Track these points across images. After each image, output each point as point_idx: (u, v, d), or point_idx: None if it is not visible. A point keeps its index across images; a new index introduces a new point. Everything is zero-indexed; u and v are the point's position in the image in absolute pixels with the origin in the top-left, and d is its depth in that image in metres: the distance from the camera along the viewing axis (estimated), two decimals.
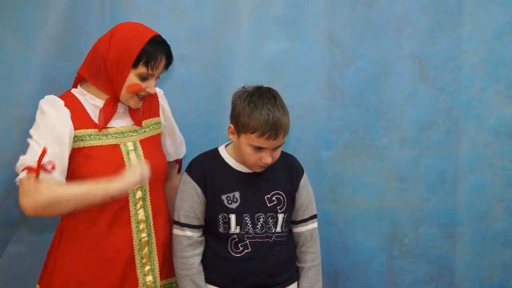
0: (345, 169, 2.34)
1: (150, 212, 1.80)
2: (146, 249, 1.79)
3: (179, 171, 2.08)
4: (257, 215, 1.84)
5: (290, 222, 1.92)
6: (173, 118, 1.99)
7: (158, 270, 1.82)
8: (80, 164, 1.72)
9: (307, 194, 1.93)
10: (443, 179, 2.37)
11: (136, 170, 1.67)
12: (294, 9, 2.25)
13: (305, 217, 1.92)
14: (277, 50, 2.26)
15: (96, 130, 1.75)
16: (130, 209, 1.77)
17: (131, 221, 1.77)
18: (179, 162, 2.07)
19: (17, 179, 1.65)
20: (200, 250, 1.86)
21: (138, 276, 1.78)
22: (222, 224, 1.83)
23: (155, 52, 1.72)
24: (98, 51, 1.74)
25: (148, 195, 1.80)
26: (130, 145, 1.79)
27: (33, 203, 1.60)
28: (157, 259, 1.82)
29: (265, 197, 1.85)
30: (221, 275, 1.85)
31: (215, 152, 1.90)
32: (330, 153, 2.33)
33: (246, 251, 1.83)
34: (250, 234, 1.83)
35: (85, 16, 2.11)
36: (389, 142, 2.33)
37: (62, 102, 1.74)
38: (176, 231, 1.85)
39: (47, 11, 2.06)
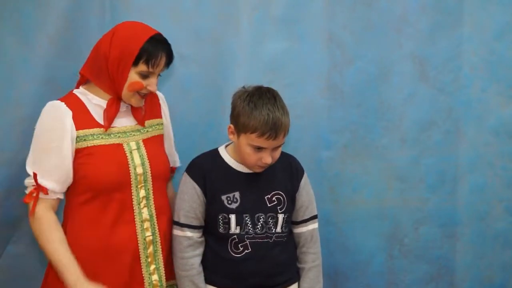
0: (345, 169, 2.34)
1: (154, 211, 1.80)
2: (151, 248, 1.80)
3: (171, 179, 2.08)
4: (257, 215, 1.83)
5: (291, 223, 1.92)
6: (171, 122, 2.00)
7: (163, 269, 1.82)
8: (83, 164, 1.72)
9: (307, 195, 1.92)
10: (443, 179, 2.37)
11: None
12: (294, 9, 2.25)
13: (306, 217, 1.92)
14: (277, 50, 2.26)
15: (99, 129, 1.76)
16: (134, 208, 1.77)
17: (135, 220, 1.77)
18: (173, 171, 2.04)
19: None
20: (200, 250, 1.86)
21: (144, 275, 1.79)
22: (222, 225, 1.83)
23: (156, 50, 1.72)
24: (99, 51, 1.75)
25: (152, 194, 1.80)
26: (133, 145, 1.79)
27: (30, 223, 1.75)
28: (161, 258, 1.82)
29: (265, 197, 1.85)
30: (221, 276, 1.85)
31: (215, 152, 1.90)
32: (330, 153, 2.33)
33: (246, 251, 1.83)
34: (250, 234, 1.83)
35: (85, 16, 2.11)
36: (389, 142, 2.33)
37: (63, 105, 1.74)
38: (176, 231, 1.85)
39: (47, 11, 2.06)
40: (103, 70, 1.74)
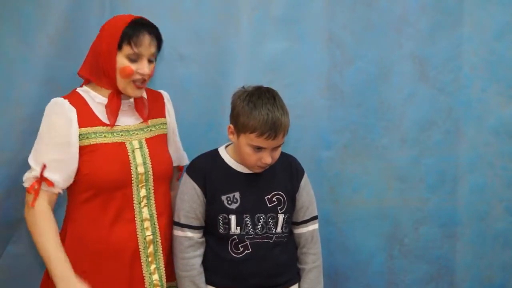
0: (345, 169, 2.34)
1: (154, 211, 1.80)
2: (152, 247, 1.80)
3: (178, 179, 2.08)
4: (257, 215, 1.83)
5: (291, 223, 1.92)
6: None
7: (164, 269, 1.82)
8: (85, 161, 1.73)
9: (307, 195, 1.92)
10: (443, 179, 2.37)
11: None
12: (294, 9, 2.25)
13: (306, 218, 1.92)
14: (277, 50, 2.26)
15: (102, 127, 1.76)
16: (134, 207, 1.77)
17: (135, 219, 1.77)
18: (181, 169, 2.05)
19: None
20: (201, 251, 1.86)
21: (144, 274, 1.79)
22: (222, 225, 1.83)
23: (136, 30, 1.73)
24: (93, 48, 1.78)
25: (153, 193, 1.80)
26: (136, 143, 1.79)
27: (26, 215, 1.74)
28: (162, 257, 1.82)
29: (265, 197, 1.85)
30: (221, 276, 1.85)
31: (215, 153, 1.90)
32: (330, 153, 2.33)
33: (246, 251, 1.83)
34: (251, 234, 1.83)
35: (85, 16, 2.11)
36: (389, 142, 2.34)
37: (67, 102, 1.74)
38: (177, 232, 1.85)
39: (47, 11, 2.06)
40: (99, 67, 1.76)
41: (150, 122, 1.86)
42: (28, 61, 2.05)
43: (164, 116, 1.93)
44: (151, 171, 1.79)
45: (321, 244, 1.96)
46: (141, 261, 1.78)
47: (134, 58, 1.74)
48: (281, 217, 1.86)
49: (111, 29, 1.75)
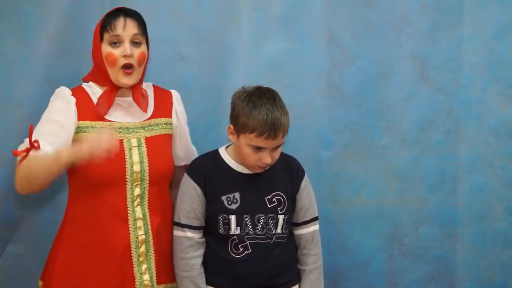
0: (345, 169, 2.34)
1: (147, 211, 1.79)
2: (143, 247, 1.78)
3: None
4: (257, 216, 1.83)
5: (291, 224, 1.92)
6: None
7: (155, 269, 1.81)
8: None
9: (308, 196, 1.92)
10: (443, 179, 2.37)
11: (90, 141, 1.59)
12: (294, 9, 2.25)
13: (306, 219, 1.92)
14: (277, 50, 2.26)
15: (101, 122, 1.76)
16: (128, 206, 1.76)
17: (128, 217, 1.76)
18: None
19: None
20: (201, 251, 1.85)
21: (135, 274, 1.78)
22: (222, 225, 1.82)
23: (112, 16, 1.76)
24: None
25: (147, 193, 1.79)
26: (134, 142, 1.79)
27: (15, 178, 1.68)
28: (153, 258, 1.80)
29: (266, 198, 1.85)
30: (221, 277, 1.84)
31: (215, 153, 1.90)
32: (330, 153, 2.33)
33: (246, 252, 1.82)
34: (250, 235, 1.83)
35: (85, 16, 2.11)
36: (389, 142, 2.34)
37: (68, 91, 1.78)
38: (177, 232, 1.84)
39: (47, 11, 2.07)
40: (95, 67, 1.81)
41: (153, 121, 1.85)
42: (28, 61, 2.05)
43: (170, 116, 1.90)
44: (147, 171, 1.77)
45: (321, 244, 1.96)
46: (132, 260, 1.77)
47: (115, 42, 1.75)
48: (281, 217, 1.85)
49: (96, 27, 1.80)
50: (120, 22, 1.75)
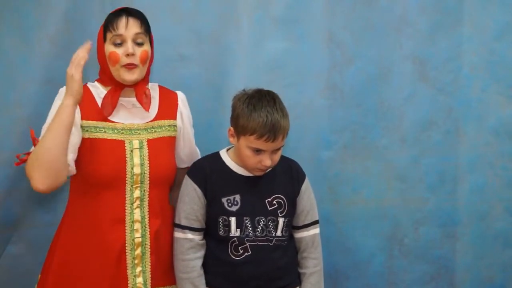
0: (345, 169, 2.34)
1: (146, 213, 1.78)
2: (139, 250, 1.77)
3: None
4: (257, 218, 1.83)
5: (291, 227, 1.92)
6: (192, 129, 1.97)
7: (150, 273, 1.79)
8: (82, 155, 1.72)
9: (308, 199, 1.92)
10: (443, 179, 2.37)
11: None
12: (294, 9, 2.25)
13: (307, 222, 1.91)
14: (277, 50, 2.26)
15: (104, 123, 1.76)
16: (126, 207, 1.76)
17: (125, 219, 1.76)
18: None
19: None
20: (201, 253, 1.85)
21: (128, 276, 1.76)
22: (222, 227, 1.82)
23: (114, 16, 1.77)
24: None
25: (147, 195, 1.78)
26: (136, 143, 1.78)
27: (30, 173, 1.64)
28: (149, 261, 1.79)
29: (266, 200, 1.84)
30: (221, 278, 1.84)
31: (216, 155, 1.90)
32: (330, 153, 2.33)
33: (246, 254, 1.82)
34: (250, 237, 1.82)
35: (85, 16, 2.11)
36: (389, 142, 2.34)
37: None
38: (177, 233, 1.84)
39: (47, 11, 2.07)
40: (100, 68, 1.81)
41: (156, 123, 1.84)
42: (28, 61, 2.05)
43: (174, 118, 1.89)
44: (148, 173, 1.77)
45: (321, 244, 1.96)
46: (127, 262, 1.76)
47: (118, 42, 1.75)
48: (281, 220, 1.85)
49: (100, 28, 1.80)
50: (122, 21, 1.75)
